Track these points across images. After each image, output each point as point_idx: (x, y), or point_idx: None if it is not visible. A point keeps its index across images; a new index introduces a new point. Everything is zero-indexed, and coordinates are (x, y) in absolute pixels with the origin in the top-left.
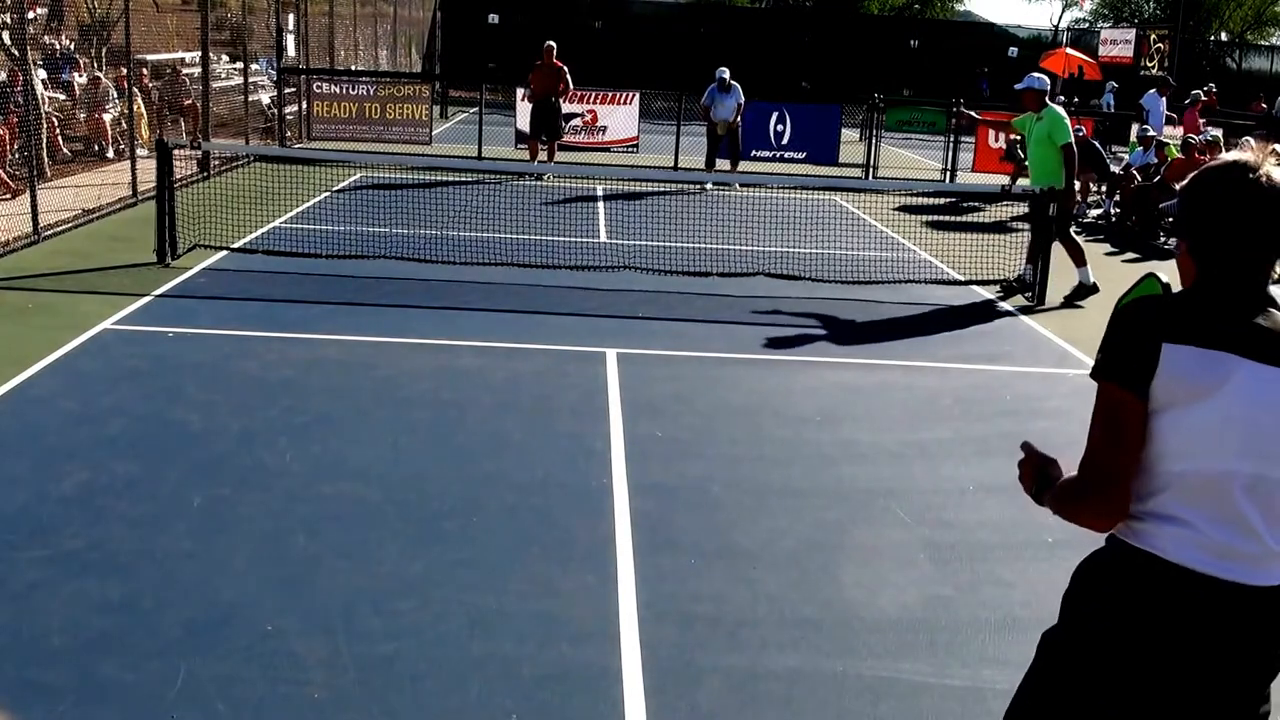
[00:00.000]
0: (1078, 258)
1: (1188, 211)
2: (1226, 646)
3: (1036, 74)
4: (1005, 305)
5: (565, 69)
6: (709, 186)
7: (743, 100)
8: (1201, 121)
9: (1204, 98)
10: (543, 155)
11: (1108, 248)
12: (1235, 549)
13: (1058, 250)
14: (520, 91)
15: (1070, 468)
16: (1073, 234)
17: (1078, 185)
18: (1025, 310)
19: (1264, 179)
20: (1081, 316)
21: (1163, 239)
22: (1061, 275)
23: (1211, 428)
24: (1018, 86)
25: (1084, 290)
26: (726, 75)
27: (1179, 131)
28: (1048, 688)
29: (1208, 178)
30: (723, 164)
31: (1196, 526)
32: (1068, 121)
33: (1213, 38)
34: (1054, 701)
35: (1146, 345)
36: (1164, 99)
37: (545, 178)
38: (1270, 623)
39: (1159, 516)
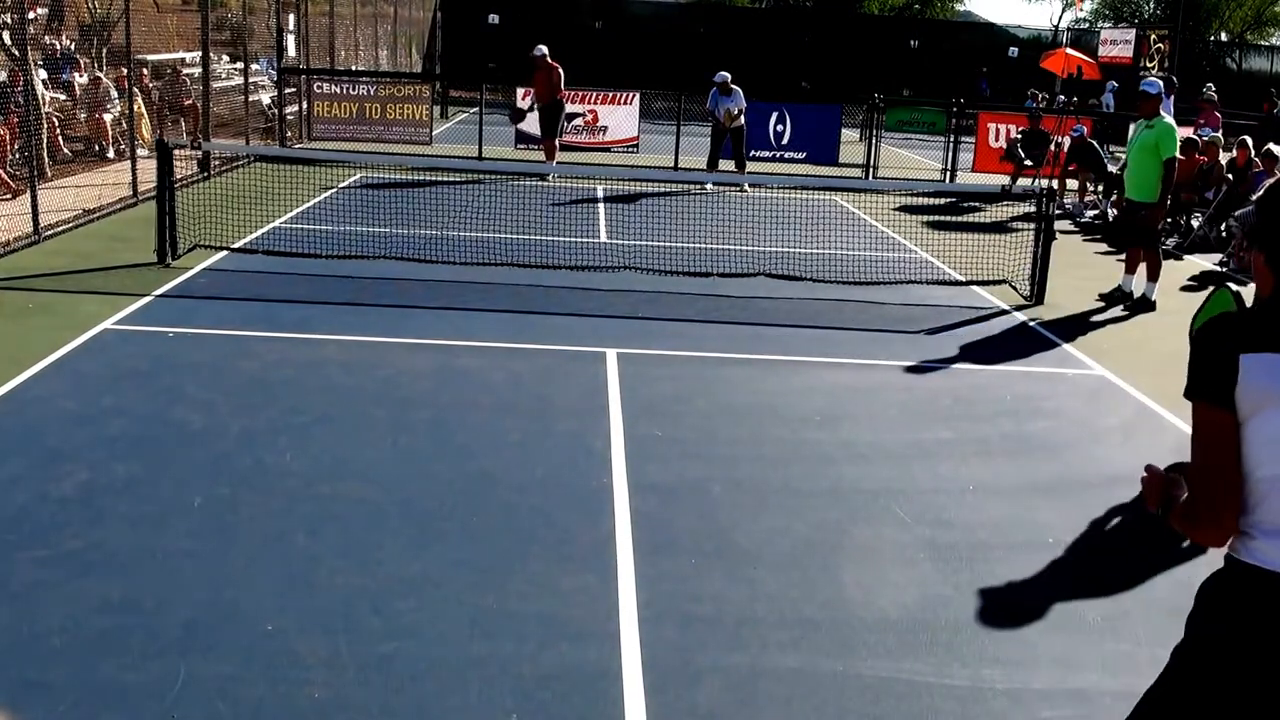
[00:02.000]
0: (1154, 271)
1: (1263, 222)
2: None
3: (1153, 78)
4: (1004, 305)
5: (559, 68)
6: (709, 187)
7: (744, 105)
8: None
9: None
10: (540, 154)
11: (1105, 247)
12: None
13: (1058, 250)
14: (520, 92)
15: (1067, 467)
16: (1159, 247)
17: (1075, 184)
18: (1025, 310)
19: None
20: (1081, 317)
21: (1164, 239)
22: (1062, 275)
23: None
24: (1147, 90)
25: (1145, 304)
26: (728, 78)
27: (1185, 131)
28: (1173, 697)
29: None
30: (726, 164)
31: None
32: (1178, 134)
33: (1213, 38)
34: (1178, 711)
35: (1225, 359)
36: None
37: (546, 178)
38: None
39: (1264, 529)
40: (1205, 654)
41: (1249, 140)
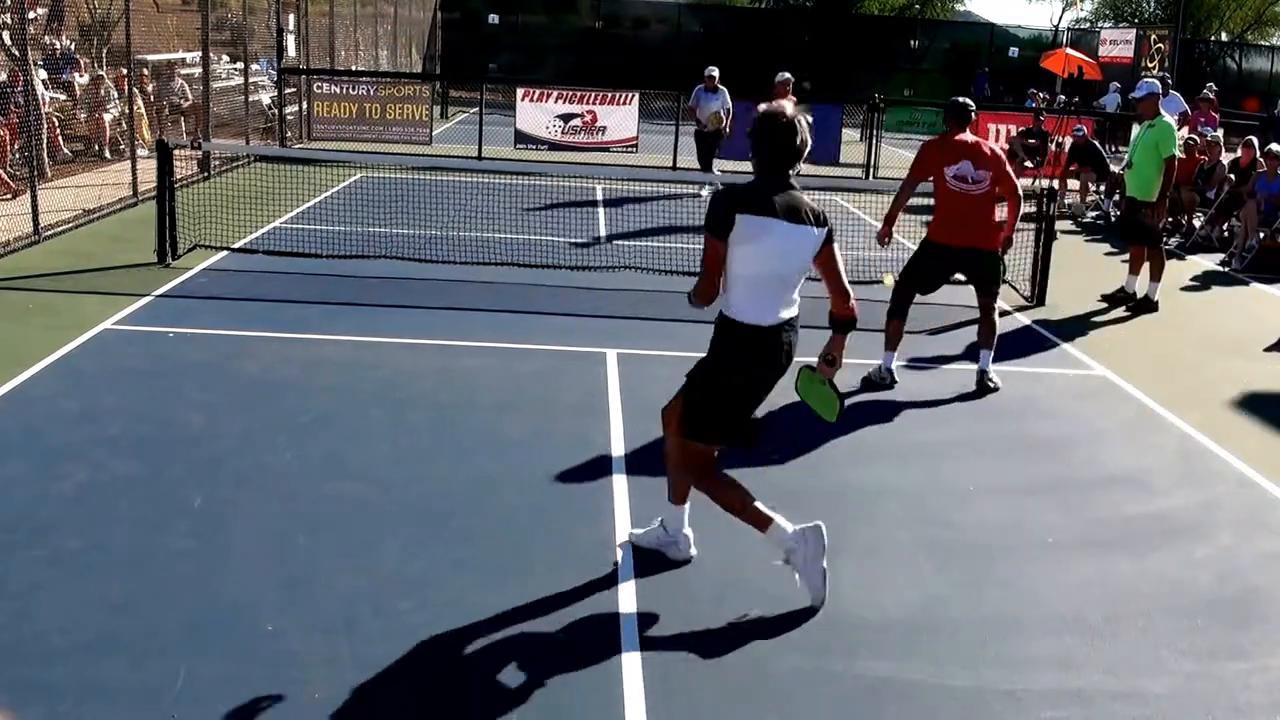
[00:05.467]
0: (1157, 271)
1: (752, 140)
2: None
3: (1149, 79)
4: (1005, 305)
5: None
6: (706, 190)
7: (730, 105)
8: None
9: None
10: (539, 155)
11: (1107, 248)
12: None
13: (1058, 250)
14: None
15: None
16: (1162, 246)
17: (1076, 184)
18: (1025, 310)
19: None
20: (1082, 317)
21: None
22: (1063, 275)
23: (758, 254)
24: (1136, 95)
25: (1148, 305)
26: (716, 74)
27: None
28: (713, 384)
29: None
30: (723, 163)
31: (755, 302)
32: (1177, 133)
33: (1213, 38)
34: (717, 393)
35: (729, 214)
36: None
37: (545, 178)
38: (791, 341)
39: (734, 301)
40: (727, 360)
41: (1255, 141)
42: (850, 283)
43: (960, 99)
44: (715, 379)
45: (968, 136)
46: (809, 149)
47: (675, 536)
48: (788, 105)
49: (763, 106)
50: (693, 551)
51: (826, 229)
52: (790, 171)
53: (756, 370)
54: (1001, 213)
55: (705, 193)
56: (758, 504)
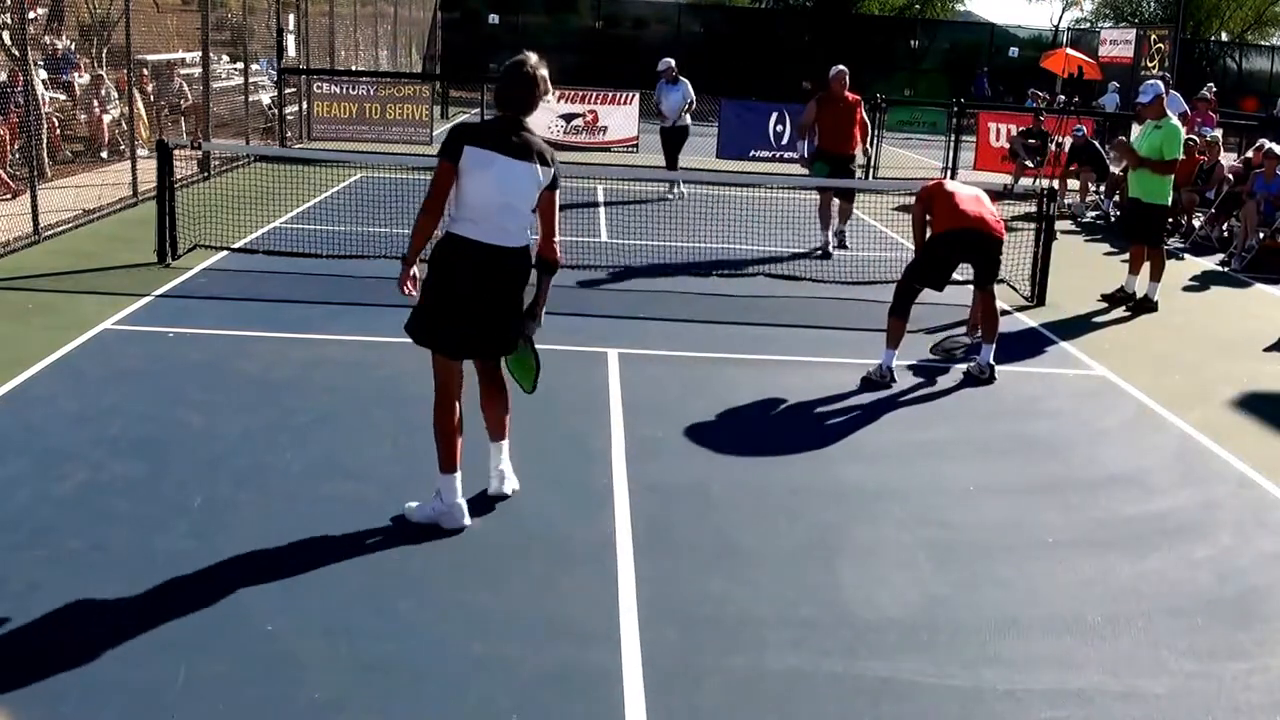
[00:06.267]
0: (1157, 272)
1: (497, 91)
2: (489, 278)
3: (1154, 81)
4: (1005, 305)
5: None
6: (675, 192)
7: (692, 96)
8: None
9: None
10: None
11: (1106, 248)
12: (501, 234)
13: (1058, 250)
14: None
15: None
16: (1164, 247)
17: (1076, 184)
18: (1025, 310)
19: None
20: (1082, 317)
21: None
22: (1064, 275)
23: (482, 182)
24: (1144, 99)
25: (1148, 304)
26: (673, 65)
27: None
28: (435, 294)
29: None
30: (722, 162)
31: (478, 224)
32: (1183, 137)
33: (1213, 38)
34: (438, 301)
35: (458, 144)
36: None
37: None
38: (515, 267)
39: (460, 219)
40: (444, 270)
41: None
42: (850, 283)
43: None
44: (434, 289)
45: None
46: (545, 101)
47: (449, 506)
48: (532, 56)
49: (517, 57)
50: (466, 522)
51: (553, 170)
52: (523, 115)
53: (470, 282)
54: (1001, 211)
55: (674, 194)
56: (458, 451)
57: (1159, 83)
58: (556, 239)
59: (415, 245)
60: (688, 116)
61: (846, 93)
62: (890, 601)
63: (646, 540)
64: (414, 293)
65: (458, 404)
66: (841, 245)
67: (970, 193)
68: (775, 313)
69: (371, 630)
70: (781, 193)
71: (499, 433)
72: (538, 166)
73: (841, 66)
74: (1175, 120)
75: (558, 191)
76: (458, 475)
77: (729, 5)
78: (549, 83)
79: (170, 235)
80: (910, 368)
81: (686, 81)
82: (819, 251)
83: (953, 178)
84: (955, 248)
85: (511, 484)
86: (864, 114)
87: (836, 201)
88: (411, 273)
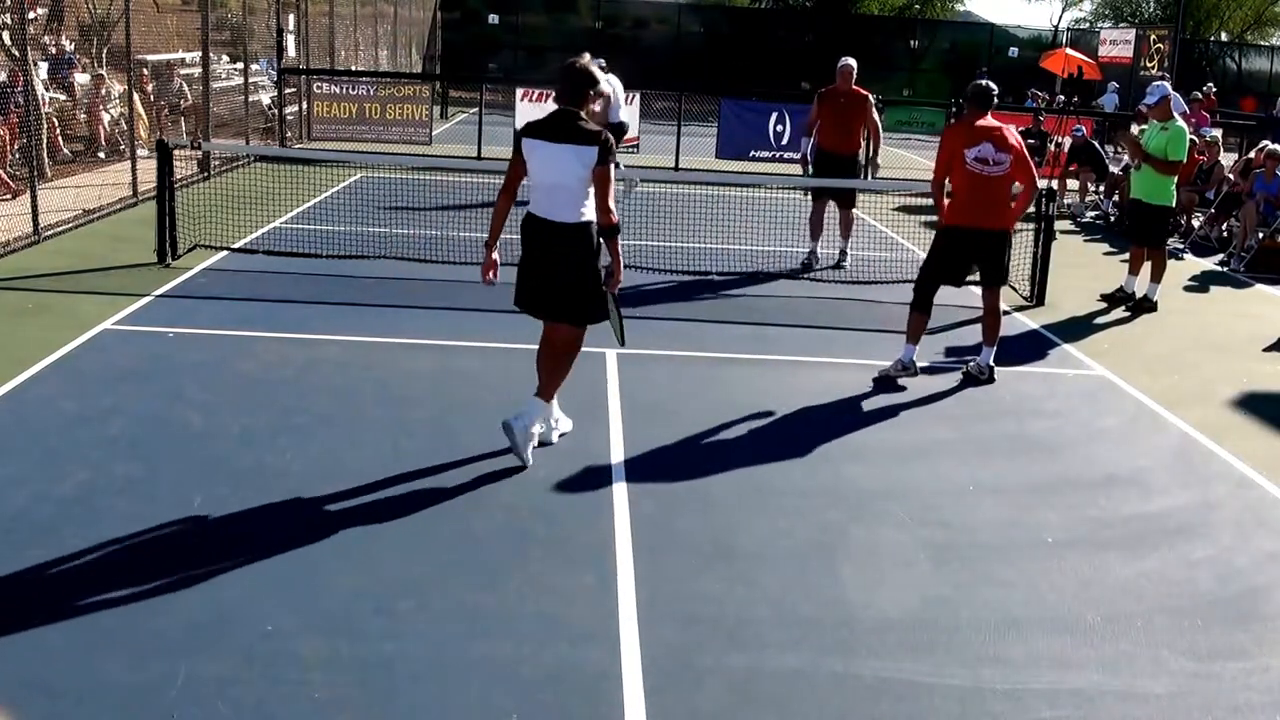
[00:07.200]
0: (1158, 272)
1: (560, 85)
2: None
3: (1160, 82)
4: (1005, 305)
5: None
6: (623, 185)
7: (620, 93)
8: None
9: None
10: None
11: (1106, 247)
12: (551, 209)
13: (1058, 250)
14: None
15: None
16: (1165, 247)
17: (1076, 184)
18: (1025, 310)
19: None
20: (1082, 318)
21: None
22: (1064, 275)
23: (534, 166)
24: (1150, 100)
25: (1147, 305)
26: (602, 63)
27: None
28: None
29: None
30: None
31: (537, 201)
32: (1188, 139)
33: (1212, 38)
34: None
35: (521, 138)
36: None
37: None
38: (567, 239)
39: (534, 199)
40: (522, 238)
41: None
42: (850, 282)
43: (983, 82)
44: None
45: (990, 121)
46: (597, 91)
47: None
48: (583, 56)
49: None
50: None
51: (598, 149)
52: (575, 107)
53: (528, 248)
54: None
55: (621, 187)
56: (556, 393)
57: (1166, 84)
58: (611, 203)
59: (492, 226)
60: (623, 113)
61: (853, 88)
62: (890, 601)
63: (646, 540)
64: (495, 280)
65: (547, 352)
66: (839, 265)
67: (989, 168)
68: (775, 313)
69: (371, 630)
70: (781, 193)
71: (543, 392)
72: (581, 147)
73: (849, 60)
74: (1181, 123)
75: (611, 167)
76: (555, 403)
77: (729, 5)
78: (594, 78)
79: (170, 235)
80: None
81: (616, 79)
82: (801, 263)
83: None
84: (963, 244)
85: (564, 426)
86: (874, 114)
87: (833, 208)
88: (494, 258)
